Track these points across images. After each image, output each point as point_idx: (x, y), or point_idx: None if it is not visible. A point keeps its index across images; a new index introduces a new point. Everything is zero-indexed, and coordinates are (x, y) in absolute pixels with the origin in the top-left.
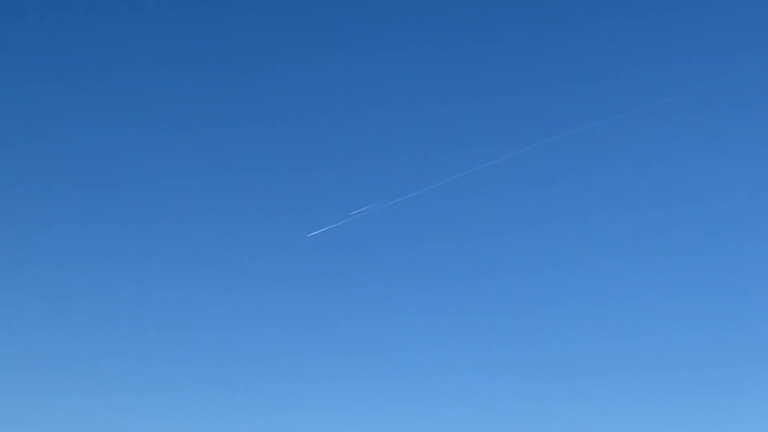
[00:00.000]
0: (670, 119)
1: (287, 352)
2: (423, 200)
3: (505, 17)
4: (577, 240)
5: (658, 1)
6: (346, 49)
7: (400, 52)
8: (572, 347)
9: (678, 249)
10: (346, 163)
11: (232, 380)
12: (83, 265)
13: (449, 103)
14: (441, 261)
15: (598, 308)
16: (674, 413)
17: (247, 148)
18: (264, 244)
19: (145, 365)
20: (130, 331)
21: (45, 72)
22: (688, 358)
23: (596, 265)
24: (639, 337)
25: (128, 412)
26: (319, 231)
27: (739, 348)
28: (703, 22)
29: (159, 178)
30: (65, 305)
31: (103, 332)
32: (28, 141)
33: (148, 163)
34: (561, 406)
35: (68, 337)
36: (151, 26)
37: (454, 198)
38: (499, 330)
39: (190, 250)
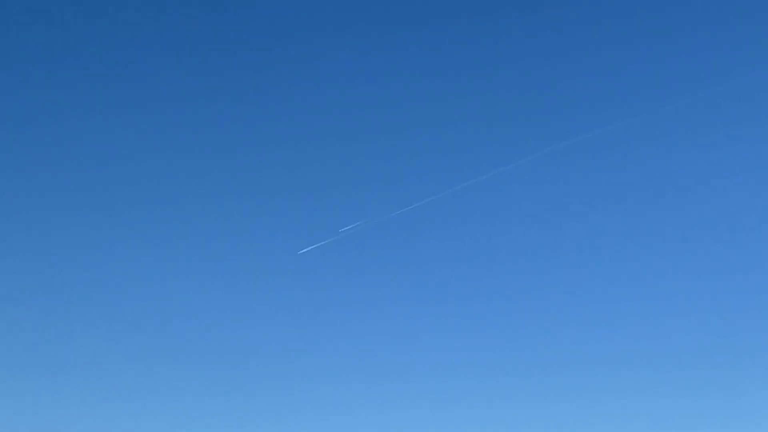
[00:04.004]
0: (676, 124)
1: (286, 355)
2: (413, 215)
3: (515, 21)
4: (581, 244)
5: (670, 5)
6: (333, 58)
7: (397, 55)
8: (578, 350)
9: (684, 252)
10: (336, 177)
11: (230, 384)
12: (81, 265)
13: (447, 111)
14: (438, 269)
15: (606, 311)
16: (676, 414)
17: (244, 152)
18: (257, 257)
19: (144, 368)
20: (128, 334)
21: (45, 72)
22: (691, 361)
23: (602, 268)
24: (644, 339)
25: (128, 414)
26: (309, 248)
27: (741, 349)
28: (712, 26)
29: (157, 181)
30: (65, 306)
31: (103, 333)
32: (28, 141)
33: (147, 164)
34: (565, 408)
35: (68, 339)
36: (152, 27)
37: (448, 210)
38: (502, 335)
39: (189, 251)
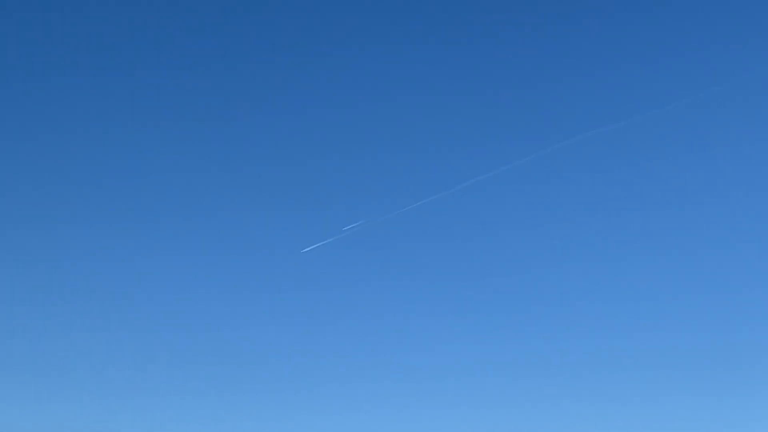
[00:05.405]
0: (676, 124)
1: (289, 353)
2: (416, 214)
3: (515, 21)
4: (581, 243)
5: (670, 5)
6: (336, 57)
7: (398, 55)
8: (578, 349)
9: (684, 252)
10: (339, 176)
11: (233, 382)
12: (81, 264)
13: (448, 111)
14: (441, 268)
15: (606, 311)
16: (676, 414)
17: (247, 150)
18: (260, 255)
19: (146, 366)
20: (130, 333)
21: (45, 71)
22: (690, 360)
23: (602, 268)
24: (643, 339)
25: (129, 413)
26: (312, 247)
27: (739, 349)
28: (712, 26)
29: (159, 179)
30: (66, 305)
31: (104, 332)
32: (28, 141)
33: (150, 162)
34: (565, 407)
35: (69, 338)
36: (151, 26)
37: (451, 209)
38: (504, 334)
39: (192, 250)
